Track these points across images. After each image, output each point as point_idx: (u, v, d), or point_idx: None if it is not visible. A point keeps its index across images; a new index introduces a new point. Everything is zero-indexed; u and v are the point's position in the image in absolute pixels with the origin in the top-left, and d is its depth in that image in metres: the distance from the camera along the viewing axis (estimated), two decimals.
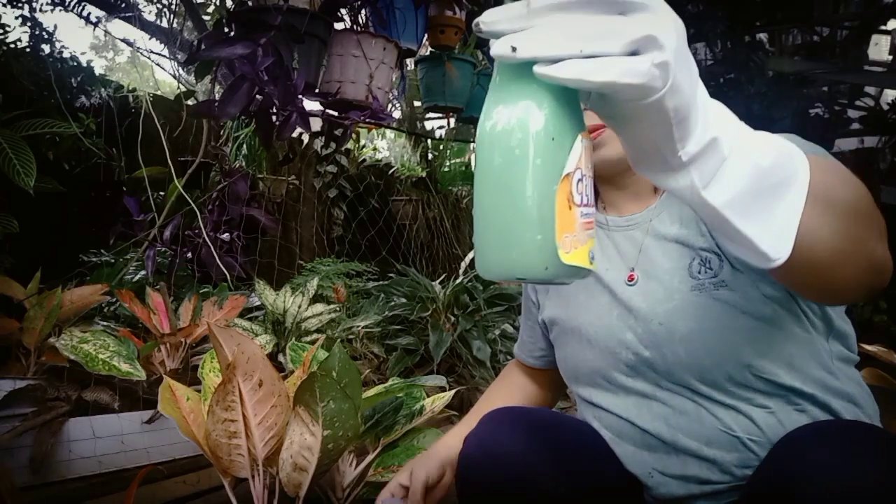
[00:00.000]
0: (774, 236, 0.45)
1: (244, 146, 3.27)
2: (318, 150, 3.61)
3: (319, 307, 2.22)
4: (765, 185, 0.45)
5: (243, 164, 3.26)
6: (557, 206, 0.41)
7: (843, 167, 0.57)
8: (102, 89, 2.88)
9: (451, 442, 0.97)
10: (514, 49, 0.38)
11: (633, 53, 0.38)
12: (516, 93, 0.42)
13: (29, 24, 2.75)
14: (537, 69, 0.38)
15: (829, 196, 0.49)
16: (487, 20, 0.39)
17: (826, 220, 0.48)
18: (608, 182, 0.90)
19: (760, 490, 0.69)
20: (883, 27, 4.26)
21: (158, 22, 3.04)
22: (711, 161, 0.43)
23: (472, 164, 5.20)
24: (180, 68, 2.92)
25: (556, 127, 0.41)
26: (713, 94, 0.44)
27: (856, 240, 0.51)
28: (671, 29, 0.38)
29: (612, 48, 0.37)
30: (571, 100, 0.42)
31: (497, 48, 0.39)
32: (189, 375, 1.69)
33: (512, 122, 0.41)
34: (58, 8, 2.91)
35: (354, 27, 2.03)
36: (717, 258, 0.78)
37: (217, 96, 1.62)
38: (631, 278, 0.84)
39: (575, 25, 0.37)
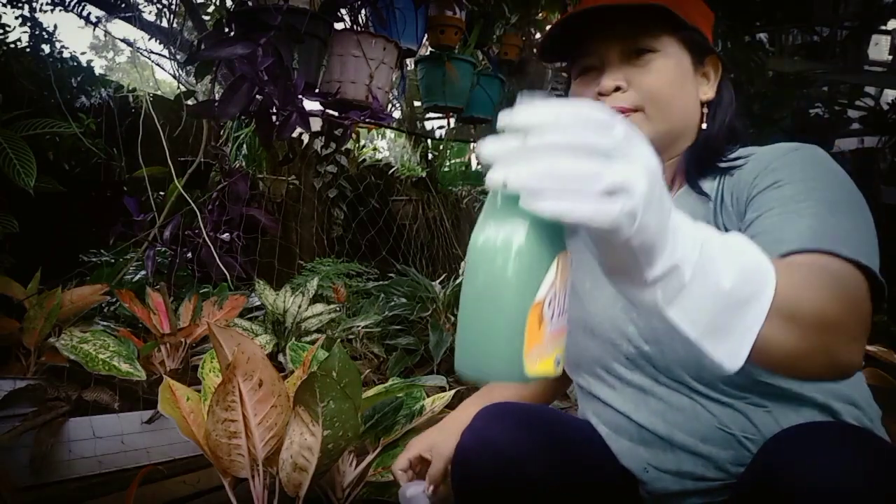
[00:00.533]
0: (728, 350, 0.50)
1: (244, 146, 3.27)
2: (318, 150, 3.61)
3: (319, 307, 2.22)
4: (724, 304, 0.49)
5: (243, 164, 3.25)
6: (528, 325, 0.45)
7: (826, 269, 0.60)
8: (102, 89, 2.88)
9: (472, 411, 0.96)
10: (504, 180, 0.42)
11: (611, 193, 0.41)
12: (505, 216, 0.46)
13: (29, 24, 2.76)
14: (522, 201, 0.42)
15: (792, 310, 0.52)
16: (486, 153, 0.43)
17: (786, 332, 0.52)
18: None
19: (749, 489, 0.70)
20: (883, 27, 4.26)
21: (158, 22, 3.03)
22: (673, 284, 0.47)
23: (473, 164, 5.19)
24: (180, 68, 2.92)
25: (536, 251, 0.46)
26: None
27: (816, 349, 0.54)
28: (643, 177, 0.42)
29: (590, 190, 0.41)
30: (555, 224, 0.46)
31: (491, 177, 0.43)
32: (189, 375, 1.69)
33: (498, 242, 0.46)
34: (58, 8, 2.91)
35: (354, 27, 2.03)
36: None
37: (217, 96, 1.62)
38: None
39: (560, 166, 0.41)
